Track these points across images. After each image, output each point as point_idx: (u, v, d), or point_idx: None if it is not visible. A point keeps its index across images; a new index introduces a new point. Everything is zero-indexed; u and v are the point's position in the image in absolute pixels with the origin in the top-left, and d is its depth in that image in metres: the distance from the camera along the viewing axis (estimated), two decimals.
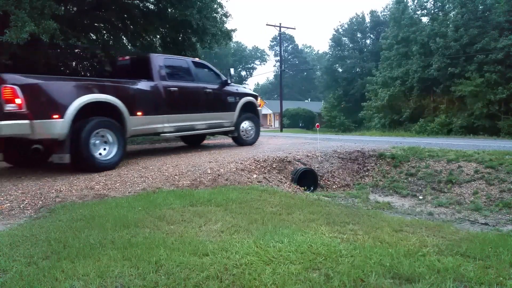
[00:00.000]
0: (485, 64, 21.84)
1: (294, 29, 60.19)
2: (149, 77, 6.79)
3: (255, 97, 9.24)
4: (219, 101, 8.07)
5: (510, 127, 20.19)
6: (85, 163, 5.68)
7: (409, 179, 6.65)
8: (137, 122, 6.34)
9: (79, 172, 5.69)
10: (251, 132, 9.00)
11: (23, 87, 5.06)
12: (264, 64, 75.10)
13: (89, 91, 5.70)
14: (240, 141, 8.85)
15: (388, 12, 39.66)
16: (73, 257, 2.55)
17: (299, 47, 70.30)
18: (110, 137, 5.91)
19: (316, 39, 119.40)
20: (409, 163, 7.00)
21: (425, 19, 29.80)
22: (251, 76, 66.28)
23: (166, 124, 6.96)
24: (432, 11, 29.12)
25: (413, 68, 26.55)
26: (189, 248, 2.66)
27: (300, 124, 46.79)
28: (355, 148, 7.95)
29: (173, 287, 2.12)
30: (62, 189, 4.97)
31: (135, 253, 2.57)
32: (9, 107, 4.97)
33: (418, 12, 30.23)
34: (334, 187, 6.67)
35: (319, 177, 6.64)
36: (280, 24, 33.47)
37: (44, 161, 6.67)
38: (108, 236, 2.97)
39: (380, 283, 2.16)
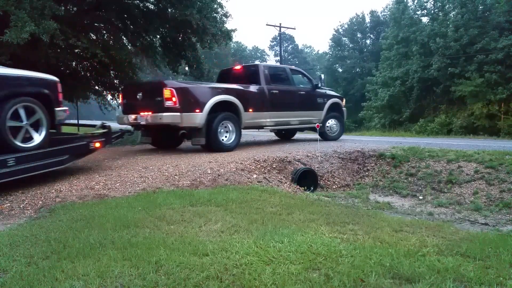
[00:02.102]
0: (485, 64, 21.82)
1: (294, 29, 60.15)
2: (257, 82, 8.52)
3: (341, 98, 10.65)
4: (310, 101, 9.50)
5: (510, 127, 20.17)
6: (214, 145, 7.50)
7: (409, 179, 6.65)
8: (249, 117, 8.12)
9: (90, 170, 5.79)
10: (335, 129, 10.20)
11: (177, 89, 6.98)
12: None
13: (219, 93, 7.57)
14: (325, 136, 9.95)
15: (388, 12, 39.63)
16: (73, 257, 2.55)
17: (299, 47, 70.27)
18: (230, 127, 7.82)
19: (316, 39, 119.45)
20: (409, 163, 7.00)
21: (425, 19, 29.81)
22: None
23: (268, 119, 8.60)
24: (432, 11, 29.11)
25: (413, 68, 26.53)
26: (189, 248, 2.66)
27: None
28: (355, 148, 7.95)
29: (173, 287, 2.12)
30: (62, 189, 4.97)
31: (135, 253, 2.57)
32: (168, 104, 6.87)
33: (418, 12, 30.23)
34: (334, 187, 6.67)
35: (319, 177, 6.64)
36: (280, 24, 33.51)
37: (178, 145, 8.75)
38: (108, 236, 2.97)
39: (380, 283, 2.16)
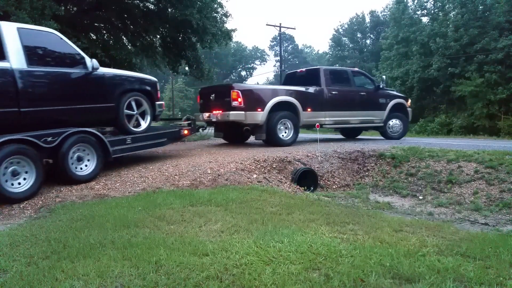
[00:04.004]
0: (485, 64, 21.82)
1: (294, 29, 60.11)
2: (318, 83, 9.17)
3: (405, 99, 10.81)
4: (371, 101, 9.87)
5: (510, 127, 20.16)
6: (274, 141, 8.29)
7: (409, 179, 6.65)
8: (307, 116, 8.77)
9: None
10: (397, 128, 10.36)
11: (242, 91, 7.98)
12: (264, 64, 75.05)
13: (278, 94, 8.43)
14: (387, 135, 10.33)
15: (388, 12, 39.64)
16: (73, 257, 2.55)
17: (299, 47, 70.27)
18: (289, 124, 8.52)
19: (316, 39, 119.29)
20: (409, 163, 6.99)
21: (425, 19, 29.82)
22: (251, 76, 66.23)
23: (327, 118, 9.16)
24: (432, 11, 29.11)
25: (413, 68, 26.53)
26: (189, 248, 2.66)
27: None
28: (355, 148, 7.95)
29: (173, 287, 2.12)
30: (62, 189, 4.97)
31: (135, 253, 2.57)
32: (234, 104, 7.85)
33: (418, 12, 30.23)
34: (334, 187, 6.67)
35: (319, 177, 6.64)
36: (280, 24, 33.48)
37: (245, 140, 9.76)
38: (108, 236, 2.97)
39: (380, 283, 2.16)
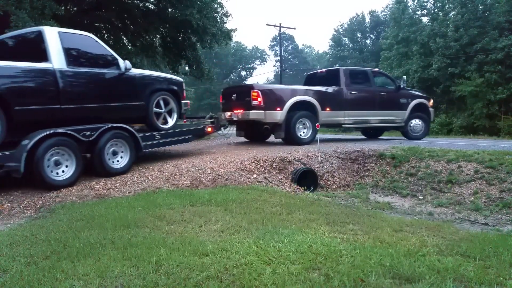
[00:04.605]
0: (485, 64, 21.82)
1: (294, 29, 60.09)
2: (337, 84, 9.32)
3: (428, 99, 10.79)
4: (391, 101, 9.93)
5: (510, 127, 20.17)
6: (292, 139, 8.49)
7: (409, 179, 6.64)
8: (325, 115, 8.96)
9: (90, 170, 5.87)
10: (418, 129, 10.35)
11: (262, 91, 8.30)
12: (264, 64, 74.96)
13: (297, 94, 8.66)
14: (408, 136, 10.32)
15: (388, 12, 39.67)
16: (73, 257, 2.55)
17: (299, 47, 70.20)
18: (308, 123, 8.70)
19: (316, 39, 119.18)
20: (409, 163, 6.99)
21: (425, 19, 29.81)
22: (251, 76, 66.19)
23: (346, 117, 9.31)
24: (432, 11, 29.10)
25: (413, 68, 26.53)
26: (189, 248, 2.66)
27: None
28: (355, 148, 7.95)
29: (173, 287, 2.12)
30: (62, 189, 4.97)
31: (135, 253, 2.57)
32: (254, 103, 8.15)
33: (418, 12, 30.23)
34: (334, 187, 6.66)
35: (319, 177, 6.64)
36: (280, 24, 33.45)
37: (266, 139, 9.89)
38: (108, 236, 2.97)
39: (380, 283, 2.16)
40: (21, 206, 4.37)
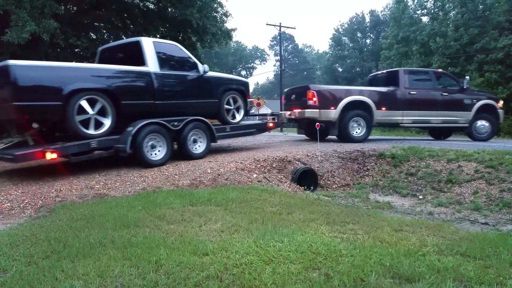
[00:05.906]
0: (485, 64, 21.82)
1: (294, 28, 60.11)
2: (396, 84, 9.63)
3: (496, 100, 10.59)
4: (454, 102, 9.93)
5: (510, 127, 20.17)
6: (346, 137, 8.97)
7: (409, 178, 6.64)
8: (381, 114, 9.33)
9: (90, 170, 6.08)
10: (483, 130, 10.20)
11: (317, 91, 8.93)
12: (264, 63, 75.02)
13: (352, 94, 9.14)
14: (473, 137, 10.25)
15: (388, 12, 39.64)
16: (73, 256, 2.55)
17: (299, 47, 70.23)
18: (362, 122, 9.15)
19: (316, 39, 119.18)
20: (409, 162, 6.99)
21: (425, 19, 29.84)
22: (251, 76, 66.17)
23: (404, 117, 9.58)
24: (432, 11, 29.12)
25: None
26: (189, 248, 2.66)
27: None
28: (355, 147, 7.94)
29: (173, 287, 2.12)
30: (62, 189, 4.97)
31: (135, 253, 2.57)
32: (310, 102, 8.84)
33: (418, 12, 30.25)
34: (334, 186, 6.66)
35: (319, 176, 6.63)
36: (280, 23, 33.46)
37: (325, 137, 10.06)
38: (108, 235, 2.97)
39: (380, 282, 2.15)
40: (21, 206, 4.37)
